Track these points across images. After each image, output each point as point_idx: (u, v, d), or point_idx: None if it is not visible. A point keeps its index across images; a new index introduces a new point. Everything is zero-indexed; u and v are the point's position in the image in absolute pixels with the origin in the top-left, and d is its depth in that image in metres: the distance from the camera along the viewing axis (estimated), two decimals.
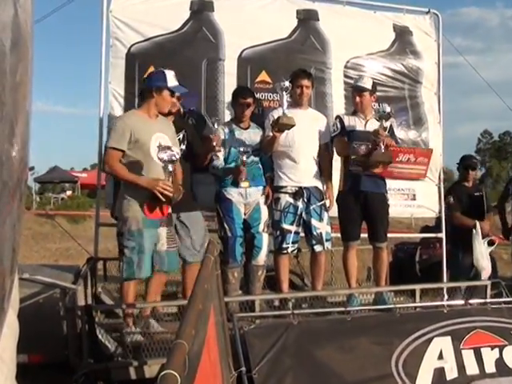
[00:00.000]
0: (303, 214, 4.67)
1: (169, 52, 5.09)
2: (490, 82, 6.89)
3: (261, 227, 4.66)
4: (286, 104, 4.41)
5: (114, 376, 3.64)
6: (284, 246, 4.65)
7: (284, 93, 4.38)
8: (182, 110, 4.66)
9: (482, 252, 5.22)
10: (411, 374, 3.75)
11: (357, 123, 4.82)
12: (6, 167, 1.16)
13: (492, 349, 3.99)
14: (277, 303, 4.57)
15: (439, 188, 5.77)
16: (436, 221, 6.16)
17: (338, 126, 4.83)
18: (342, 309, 4.28)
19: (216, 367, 2.37)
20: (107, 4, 4.99)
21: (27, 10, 1.26)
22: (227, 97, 5.06)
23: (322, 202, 4.73)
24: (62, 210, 22.64)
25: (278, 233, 4.67)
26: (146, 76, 4.49)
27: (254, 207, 4.66)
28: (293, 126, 4.43)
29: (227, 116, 5.10)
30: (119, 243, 4.24)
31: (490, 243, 5.34)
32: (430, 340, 3.89)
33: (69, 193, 35.43)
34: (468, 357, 3.91)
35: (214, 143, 4.42)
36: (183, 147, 4.39)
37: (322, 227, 4.70)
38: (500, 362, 3.95)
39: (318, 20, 5.52)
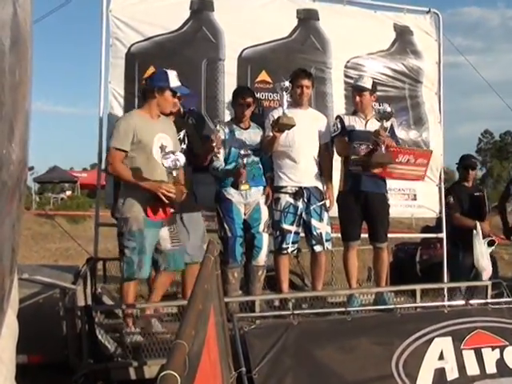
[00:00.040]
0: (303, 214, 4.66)
1: (169, 52, 5.09)
2: (491, 82, 6.87)
3: (261, 227, 4.66)
4: (286, 104, 4.41)
5: (113, 376, 3.63)
6: (284, 246, 4.64)
7: (284, 93, 4.37)
8: (181, 109, 4.65)
9: (482, 253, 5.21)
10: (412, 375, 3.74)
11: (357, 123, 4.81)
12: (5, 167, 1.15)
13: (493, 349, 3.99)
14: (277, 303, 4.58)
15: (440, 188, 5.77)
16: (436, 221, 6.15)
17: (339, 125, 4.82)
18: (343, 309, 4.26)
19: (216, 367, 2.36)
20: (107, 3, 4.98)
21: (26, 9, 1.26)
22: (227, 97, 5.06)
23: (322, 202, 4.73)
24: (61, 210, 22.64)
25: (278, 233, 4.66)
26: (148, 76, 4.49)
27: (254, 207, 4.65)
28: (293, 126, 4.42)
29: (227, 116, 5.09)
30: (119, 243, 4.23)
31: (491, 244, 5.33)
32: (430, 340, 3.88)
33: (68, 193, 35.44)
34: (469, 357, 3.91)
35: (214, 144, 4.41)
36: (184, 147, 4.38)
37: (322, 227, 4.69)
38: (501, 363, 3.95)
39: (318, 19, 5.52)
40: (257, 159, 4.70)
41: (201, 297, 1.90)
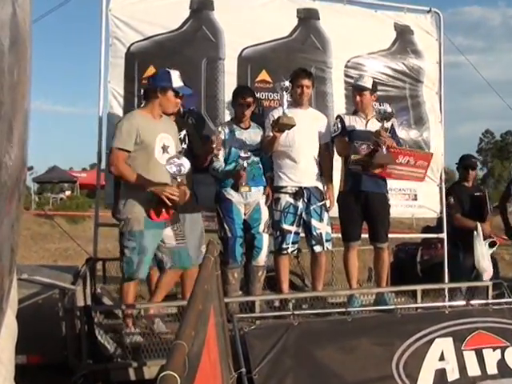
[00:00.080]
0: (303, 215, 4.65)
1: (168, 51, 5.08)
2: (491, 82, 6.87)
3: (261, 228, 4.65)
4: (286, 104, 4.39)
5: (113, 377, 3.62)
6: (284, 246, 4.63)
7: (284, 92, 4.36)
8: (181, 109, 4.64)
9: (483, 254, 5.20)
10: (412, 376, 3.74)
11: (357, 123, 4.80)
12: (4, 167, 1.14)
13: (494, 350, 3.98)
14: (277, 304, 4.57)
15: (440, 188, 5.76)
16: (437, 221, 6.14)
17: (339, 125, 4.81)
18: (343, 309, 4.26)
19: (216, 368, 2.35)
20: (106, 3, 4.97)
21: (26, 9, 1.26)
22: (227, 96, 5.05)
23: (323, 203, 4.72)
24: (60, 210, 22.63)
25: (278, 233, 4.65)
26: (150, 75, 4.47)
27: (254, 207, 4.64)
28: (293, 125, 4.41)
29: (227, 116, 5.08)
30: (120, 243, 4.22)
31: (492, 245, 5.32)
32: (431, 341, 3.88)
33: (68, 193, 35.44)
34: (469, 358, 3.90)
35: (214, 145, 4.39)
36: (184, 146, 4.37)
37: (322, 227, 4.68)
38: (502, 363, 3.95)
39: (319, 19, 5.51)
40: (257, 159, 4.69)
41: (201, 297, 1.89)
